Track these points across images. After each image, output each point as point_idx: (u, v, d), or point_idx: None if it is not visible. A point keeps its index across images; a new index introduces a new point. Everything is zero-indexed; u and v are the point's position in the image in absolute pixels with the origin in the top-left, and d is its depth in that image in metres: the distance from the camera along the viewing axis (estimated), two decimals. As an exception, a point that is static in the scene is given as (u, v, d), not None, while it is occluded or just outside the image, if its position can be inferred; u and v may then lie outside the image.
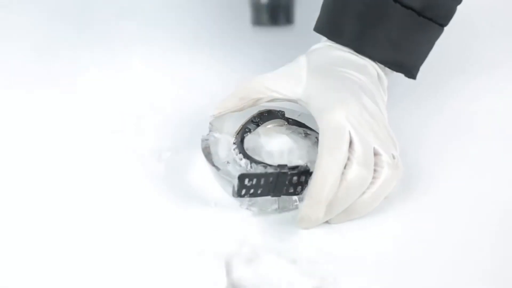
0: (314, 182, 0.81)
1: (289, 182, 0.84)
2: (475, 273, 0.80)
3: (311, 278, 0.80)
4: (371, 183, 0.83)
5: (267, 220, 0.86)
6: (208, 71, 1.04)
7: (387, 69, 0.90)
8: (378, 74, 0.89)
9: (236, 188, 0.81)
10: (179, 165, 0.93)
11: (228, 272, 0.81)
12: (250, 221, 0.85)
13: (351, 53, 0.89)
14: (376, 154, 0.83)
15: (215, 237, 0.84)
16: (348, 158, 0.82)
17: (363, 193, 0.83)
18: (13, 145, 0.95)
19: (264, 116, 0.90)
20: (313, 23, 0.92)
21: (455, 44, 0.98)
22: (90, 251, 0.83)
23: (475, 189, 0.88)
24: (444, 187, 0.89)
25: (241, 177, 0.82)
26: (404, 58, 0.89)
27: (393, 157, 0.84)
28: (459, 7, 0.90)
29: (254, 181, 0.82)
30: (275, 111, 0.90)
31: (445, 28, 0.90)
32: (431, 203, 0.87)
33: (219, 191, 0.88)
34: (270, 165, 0.84)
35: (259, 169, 0.84)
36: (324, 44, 0.90)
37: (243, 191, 0.82)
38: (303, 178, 0.84)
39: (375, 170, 0.83)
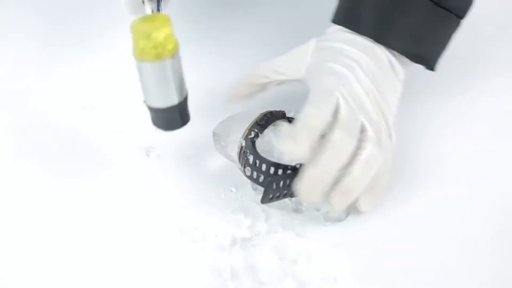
0: (294, 124, 0.81)
1: None
2: (474, 271, 0.81)
3: (311, 278, 0.80)
4: (357, 154, 0.83)
5: (268, 222, 0.85)
6: (210, 70, 1.03)
7: (405, 60, 0.89)
8: (390, 61, 0.88)
9: (264, 194, 0.82)
10: (175, 164, 0.92)
11: (230, 272, 0.81)
12: (251, 221, 0.85)
13: (365, 38, 0.89)
14: (362, 129, 0.83)
15: (215, 238, 0.84)
16: (332, 123, 0.82)
17: (351, 164, 0.82)
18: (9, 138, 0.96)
19: (268, 118, 0.89)
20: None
21: (463, 44, 0.98)
22: (88, 249, 0.84)
23: (475, 189, 0.88)
24: (445, 186, 0.89)
25: (270, 183, 0.82)
26: (424, 49, 0.89)
27: (381, 139, 0.84)
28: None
29: (281, 183, 0.83)
30: (276, 112, 0.90)
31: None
32: (432, 204, 0.87)
33: (218, 191, 0.88)
34: (290, 166, 0.84)
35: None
36: (336, 28, 0.90)
37: (271, 196, 0.83)
38: None
39: (360, 146, 0.83)
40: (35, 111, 0.99)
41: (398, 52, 0.88)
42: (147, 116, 0.97)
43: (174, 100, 0.82)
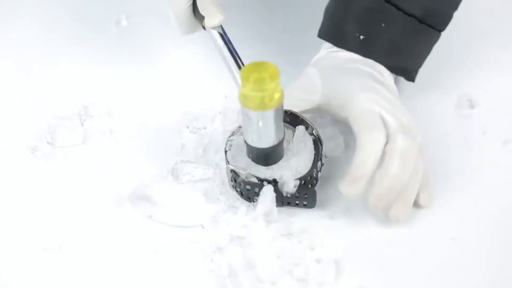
0: (356, 161, 0.82)
1: None
2: (474, 272, 0.81)
3: (311, 278, 0.80)
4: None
5: (266, 220, 0.85)
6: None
7: None
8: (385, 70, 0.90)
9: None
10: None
11: (228, 271, 0.81)
12: (252, 221, 0.85)
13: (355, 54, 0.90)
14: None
15: (213, 237, 0.84)
16: (388, 134, 0.83)
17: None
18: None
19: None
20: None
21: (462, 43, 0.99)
22: (87, 248, 0.84)
23: (476, 189, 0.88)
24: (446, 187, 0.88)
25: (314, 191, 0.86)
26: (405, 62, 0.91)
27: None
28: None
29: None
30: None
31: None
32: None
33: (216, 189, 0.89)
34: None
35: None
36: (326, 51, 0.92)
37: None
38: None
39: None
40: (33, 106, 0.99)
41: (381, 64, 0.90)
42: (147, 116, 0.98)
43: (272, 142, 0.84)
